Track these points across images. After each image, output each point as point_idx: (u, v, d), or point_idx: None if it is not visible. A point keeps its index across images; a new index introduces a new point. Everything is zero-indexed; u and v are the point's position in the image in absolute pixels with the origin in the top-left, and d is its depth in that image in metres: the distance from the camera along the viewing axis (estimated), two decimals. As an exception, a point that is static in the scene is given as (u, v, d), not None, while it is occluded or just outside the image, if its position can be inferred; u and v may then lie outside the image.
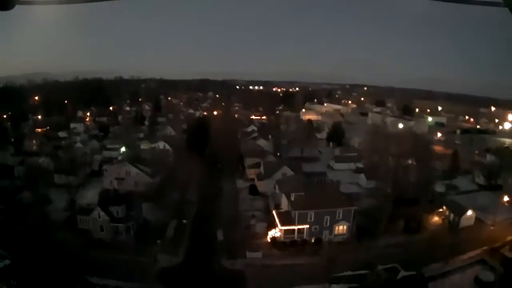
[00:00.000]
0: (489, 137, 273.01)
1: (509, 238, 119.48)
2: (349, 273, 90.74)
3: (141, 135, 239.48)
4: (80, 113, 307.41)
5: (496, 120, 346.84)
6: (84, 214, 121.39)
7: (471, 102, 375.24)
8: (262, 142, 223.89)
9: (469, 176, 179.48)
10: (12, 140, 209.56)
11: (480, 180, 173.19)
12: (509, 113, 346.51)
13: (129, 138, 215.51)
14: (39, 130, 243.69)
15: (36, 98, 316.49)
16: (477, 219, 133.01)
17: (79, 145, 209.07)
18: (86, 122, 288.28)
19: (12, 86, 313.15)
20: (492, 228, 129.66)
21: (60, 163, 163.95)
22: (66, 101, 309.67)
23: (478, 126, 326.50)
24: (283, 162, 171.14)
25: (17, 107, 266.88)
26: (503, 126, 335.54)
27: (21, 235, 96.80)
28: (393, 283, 79.82)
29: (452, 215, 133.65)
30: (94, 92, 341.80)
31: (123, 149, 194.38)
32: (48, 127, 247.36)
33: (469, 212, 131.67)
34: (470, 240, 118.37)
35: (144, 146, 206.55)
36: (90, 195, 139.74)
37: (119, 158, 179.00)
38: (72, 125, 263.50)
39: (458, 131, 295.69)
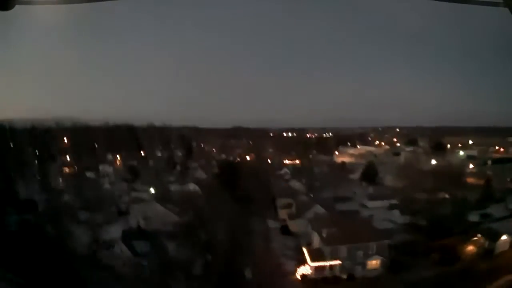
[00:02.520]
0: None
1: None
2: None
3: (172, 178, 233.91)
4: (110, 157, 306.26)
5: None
6: (106, 249, 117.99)
7: (499, 133, 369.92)
8: (294, 184, 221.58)
9: (502, 203, 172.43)
10: (39, 178, 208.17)
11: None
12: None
13: (159, 181, 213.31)
14: (67, 170, 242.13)
15: (65, 140, 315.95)
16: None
17: (107, 186, 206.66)
18: (116, 165, 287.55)
19: (40, 127, 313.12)
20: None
21: (85, 201, 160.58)
22: (95, 145, 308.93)
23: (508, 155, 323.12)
24: (315, 201, 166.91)
25: (45, 148, 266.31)
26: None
27: (40, 268, 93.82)
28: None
29: (487, 242, 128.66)
30: (125, 137, 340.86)
31: (152, 191, 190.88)
32: (76, 168, 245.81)
33: (504, 237, 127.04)
34: (506, 265, 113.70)
35: (174, 188, 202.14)
36: (114, 233, 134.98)
37: (147, 199, 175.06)
38: (101, 167, 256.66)
39: (490, 162, 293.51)
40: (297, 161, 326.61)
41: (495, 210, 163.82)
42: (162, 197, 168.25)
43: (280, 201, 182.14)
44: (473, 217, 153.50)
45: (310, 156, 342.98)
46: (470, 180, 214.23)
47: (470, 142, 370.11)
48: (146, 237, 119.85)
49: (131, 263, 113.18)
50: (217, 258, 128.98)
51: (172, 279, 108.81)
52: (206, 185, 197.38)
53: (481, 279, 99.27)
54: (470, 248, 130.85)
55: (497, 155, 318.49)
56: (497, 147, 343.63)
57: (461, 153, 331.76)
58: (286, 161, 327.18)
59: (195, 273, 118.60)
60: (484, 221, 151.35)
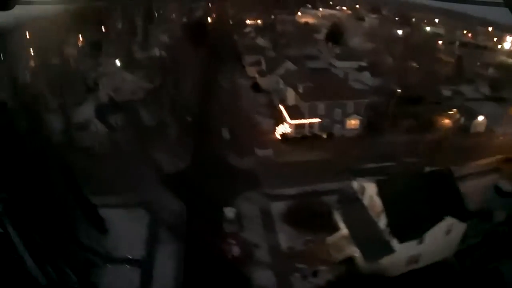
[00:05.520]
0: (489, 53, 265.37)
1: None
2: (373, 165, 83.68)
3: (135, 46, 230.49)
4: (72, 39, 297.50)
5: (495, 39, 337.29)
6: (81, 130, 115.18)
7: (467, 19, 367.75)
8: (260, 41, 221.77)
9: (473, 85, 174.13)
10: (5, 78, 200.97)
11: (485, 90, 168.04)
12: (507, 35, 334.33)
13: (123, 51, 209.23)
14: (32, 63, 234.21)
15: (27, 36, 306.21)
16: (487, 127, 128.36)
17: (72, 66, 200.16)
18: (79, 45, 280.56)
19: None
20: (502, 138, 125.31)
21: (53, 87, 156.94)
22: (56, 31, 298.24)
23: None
24: (285, 58, 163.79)
25: (5, 48, 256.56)
26: (502, 46, 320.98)
27: (16, 168, 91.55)
28: (421, 175, 72.75)
29: (462, 119, 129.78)
30: (84, 16, 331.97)
31: (117, 62, 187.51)
32: (40, 58, 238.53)
33: (480, 118, 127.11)
34: (483, 147, 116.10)
35: (139, 55, 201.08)
36: (86, 112, 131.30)
37: (114, 70, 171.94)
38: (64, 51, 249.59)
39: (457, 43, 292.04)
40: (259, 21, 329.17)
41: (466, 90, 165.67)
42: (129, 66, 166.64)
43: (248, 58, 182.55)
44: (445, 91, 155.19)
45: (272, 16, 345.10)
46: (439, 55, 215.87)
47: (436, 20, 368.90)
48: (119, 109, 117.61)
49: (108, 140, 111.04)
50: (192, 120, 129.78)
51: (151, 147, 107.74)
52: (171, 48, 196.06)
53: (457, 155, 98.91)
54: (446, 120, 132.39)
55: (465, 39, 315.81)
56: (465, 31, 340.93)
57: (428, 28, 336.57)
58: (248, 21, 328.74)
59: (172, 137, 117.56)
60: (456, 98, 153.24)
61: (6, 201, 63.99)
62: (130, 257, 71.40)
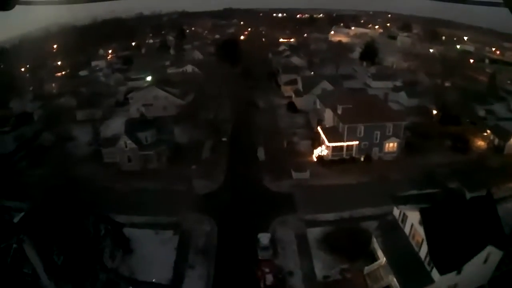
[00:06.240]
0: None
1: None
2: (416, 192, 79.51)
3: (167, 62, 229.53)
4: (101, 52, 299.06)
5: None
6: (109, 145, 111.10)
7: (494, 35, 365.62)
8: (295, 60, 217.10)
9: (504, 103, 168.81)
10: (31, 88, 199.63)
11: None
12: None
13: (155, 66, 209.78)
14: (59, 74, 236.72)
15: (55, 46, 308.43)
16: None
17: (101, 79, 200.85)
18: (108, 59, 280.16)
19: (27, 40, 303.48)
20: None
21: (81, 99, 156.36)
22: (85, 43, 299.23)
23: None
24: (321, 77, 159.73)
25: (34, 57, 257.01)
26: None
27: (41, 180, 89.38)
28: (463, 202, 68.82)
29: (496, 139, 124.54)
30: (114, 30, 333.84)
31: (149, 77, 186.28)
32: (68, 70, 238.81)
33: None
34: None
35: (171, 71, 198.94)
36: (115, 126, 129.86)
37: (145, 85, 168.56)
38: (93, 63, 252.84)
39: (487, 60, 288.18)
40: (292, 39, 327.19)
41: (498, 108, 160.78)
42: (161, 81, 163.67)
43: (284, 77, 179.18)
44: (479, 111, 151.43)
45: (305, 34, 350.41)
46: (471, 73, 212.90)
47: (465, 38, 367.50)
48: (150, 125, 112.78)
49: (138, 156, 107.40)
50: (226, 139, 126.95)
51: (183, 166, 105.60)
52: (204, 65, 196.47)
53: (492, 177, 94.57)
54: (480, 141, 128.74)
55: (494, 56, 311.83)
56: (493, 49, 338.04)
57: (458, 46, 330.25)
58: (282, 39, 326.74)
59: (205, 156, 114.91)
60: (490, 117, 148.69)
61: (26, 212, 60.99)
62: (155, 280, 68.46)
